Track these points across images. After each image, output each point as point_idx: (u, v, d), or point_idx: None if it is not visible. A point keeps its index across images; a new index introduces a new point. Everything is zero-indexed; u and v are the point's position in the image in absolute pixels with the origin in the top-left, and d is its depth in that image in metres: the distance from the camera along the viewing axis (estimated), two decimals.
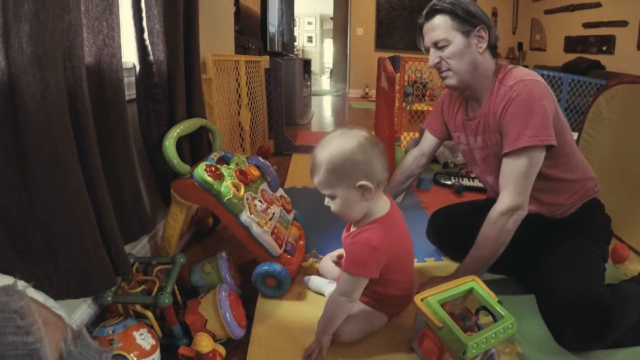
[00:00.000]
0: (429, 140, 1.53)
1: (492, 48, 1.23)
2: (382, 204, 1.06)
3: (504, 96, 1.15)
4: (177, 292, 1.18)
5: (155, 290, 1.08)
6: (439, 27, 1.19)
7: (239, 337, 1.08)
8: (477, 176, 1.44)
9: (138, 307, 1.04)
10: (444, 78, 1.27)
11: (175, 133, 1.30)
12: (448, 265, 1.53)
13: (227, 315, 1.05)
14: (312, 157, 1.01)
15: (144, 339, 0.95)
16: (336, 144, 0.97)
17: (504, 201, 1.16)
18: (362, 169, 0.96)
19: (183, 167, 1.29)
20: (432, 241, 1.64)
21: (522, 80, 1.13)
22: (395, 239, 1.05)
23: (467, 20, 1.17)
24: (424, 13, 1.24)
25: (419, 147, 1.57)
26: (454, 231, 1.52)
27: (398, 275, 1.10)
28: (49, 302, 0.77)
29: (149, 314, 1.03)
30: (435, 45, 1.21)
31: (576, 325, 1.05)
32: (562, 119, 1.20)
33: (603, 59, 5.07)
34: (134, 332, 0.94)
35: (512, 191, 1.15)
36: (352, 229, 1.09)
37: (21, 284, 0.45)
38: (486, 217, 1.19)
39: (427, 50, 1.27)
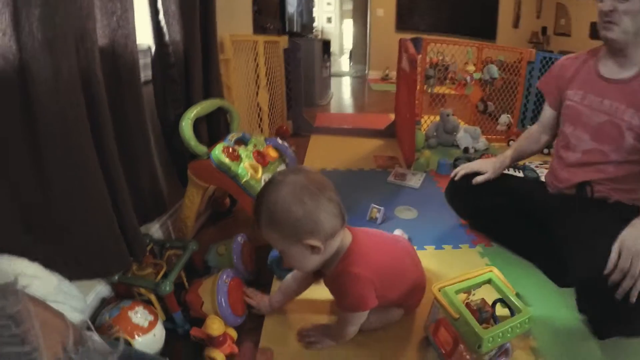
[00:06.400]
0: (547, 113, 1.49)
1: None
2: (344, 236, 0.94)
3: None
4: (184, 278, 1.18)
5: (160, 275, 1.09)
6: None
7: (233, 324, 1.06)
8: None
9: (142, 290, 1.05)
10: (605, 29, 1.21)
11: (192, 114, 1.29)
12: (465, 252, 1.50)
13: (222, 300, 1.04)
14: (253, 207, 0.89)
15: (140, 316, 0.95)
16: (271, 197, 0.83)
17: None
18: (303, 226, 0.82)
19: (200, 149, 1.28)
20: (450, 201, 1.68)
21: None
22: (376, 258, 0.98)
23: None
24: None
25: (540, 123, 1.55)
26: (473, 196, 1.54)
27: (401, 285, 1.05)
28: (63, 284, 0.78)
29: (152, 297, 1.04)
30: None
31: (610, 308, 1.04)
32: None
33: None
34: (129, 312, 0.95)
35: None
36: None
37: (20, 284, 0.43)
38: None
39: None
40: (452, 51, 2.95)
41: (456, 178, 1.60)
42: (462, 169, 1.60)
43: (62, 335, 0.44)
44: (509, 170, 2.22)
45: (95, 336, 0.48)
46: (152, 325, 0.96)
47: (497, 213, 1.51)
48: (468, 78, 2.92)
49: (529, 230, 1.41)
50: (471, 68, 2.93)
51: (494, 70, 2.85)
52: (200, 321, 1.01)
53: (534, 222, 1.36)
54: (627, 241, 1.04)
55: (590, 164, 1.28)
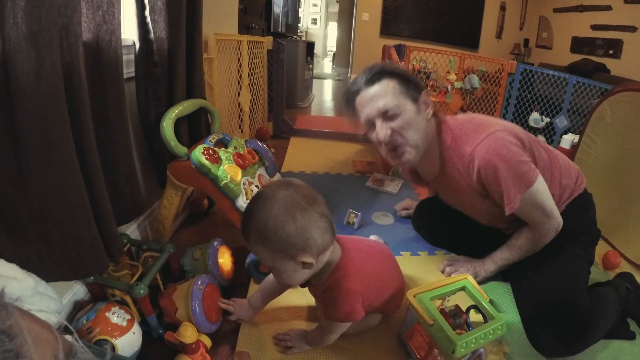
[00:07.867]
0: None
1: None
2: (334, 249, 0.94)
3: (468, 166, 1.15)
4: (160, 281, 1.16)
5: (135, 277, 1.07)
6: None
7: (208, 331, 1.04)
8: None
9: (117, 292, 1.03)
10: (395, 158, 1.19)
11: (174, 114, 1.28)
12: (440, 259, 1.52)
13: (197, 307, 1.02)
14: (241, 222, 0.86)
15: (118, 316, 0.95)
16: (261, 213, 0.80)
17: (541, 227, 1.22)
18: (295, 243, 0.79)
19: (180, 149, 1.27)
20: (418, 231, 1.71)
21: (484, 145, 1.10)
22: (366, 271, 0.99)
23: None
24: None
25: None
26: (436, 222, 1.62)
27: (385, 293, 1.07)
28: (40, 285, 0.77)
29: (128, 299, 1.03)
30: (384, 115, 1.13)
31: (553, 331, 1.07)
32: (534, 146, 1.19)
33: (609, 63, 4.99)
34: (107, 313, 0.94)
35: (541, 221, 1.20)
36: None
37: (7, 296, 0.42)
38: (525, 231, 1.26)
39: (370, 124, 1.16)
40: (435, 59, 3.00)
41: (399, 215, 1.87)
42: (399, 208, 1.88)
43: (53, 349, 0.43)
44: None
45: (83, 347, 0.47)
46: (130, 323, 0.96)
47: (456, 235, 1.56)
48: (449, 86, 2.97)
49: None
50: (452, 77, 2.99)
51: (475, 80, 2.91)
52: (176, 325, 0.99)
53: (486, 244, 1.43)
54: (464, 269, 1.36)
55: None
